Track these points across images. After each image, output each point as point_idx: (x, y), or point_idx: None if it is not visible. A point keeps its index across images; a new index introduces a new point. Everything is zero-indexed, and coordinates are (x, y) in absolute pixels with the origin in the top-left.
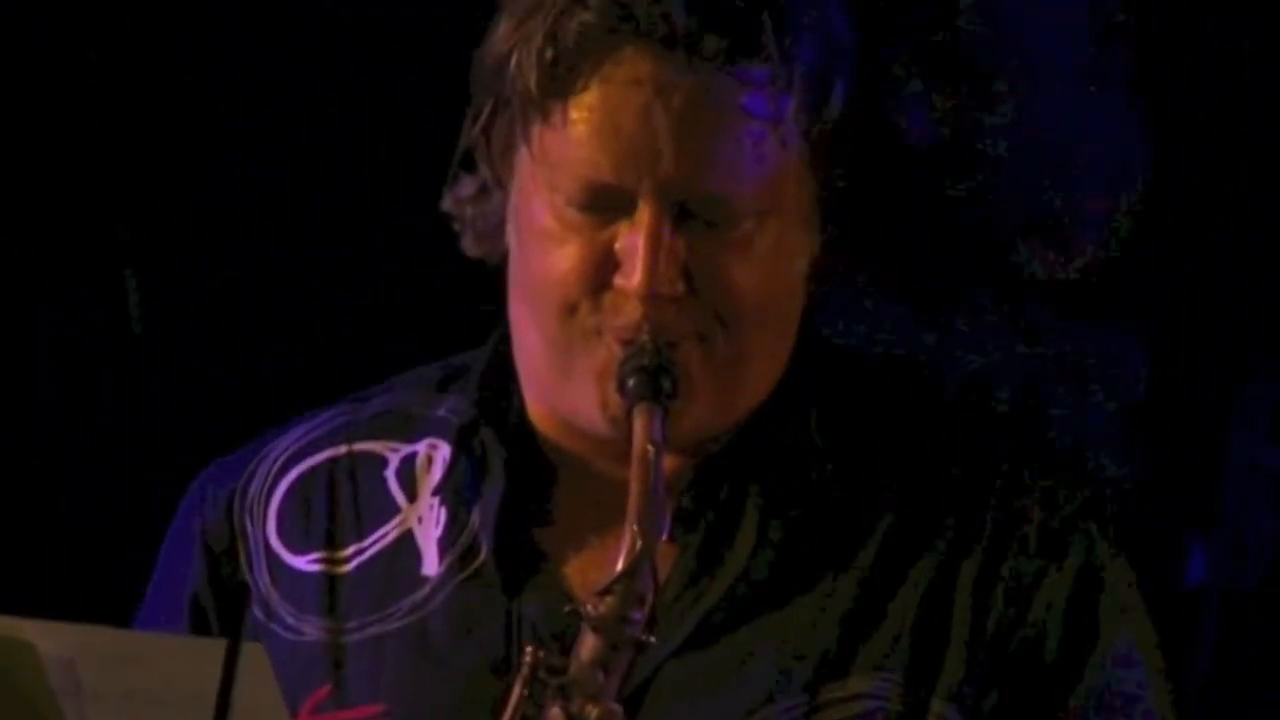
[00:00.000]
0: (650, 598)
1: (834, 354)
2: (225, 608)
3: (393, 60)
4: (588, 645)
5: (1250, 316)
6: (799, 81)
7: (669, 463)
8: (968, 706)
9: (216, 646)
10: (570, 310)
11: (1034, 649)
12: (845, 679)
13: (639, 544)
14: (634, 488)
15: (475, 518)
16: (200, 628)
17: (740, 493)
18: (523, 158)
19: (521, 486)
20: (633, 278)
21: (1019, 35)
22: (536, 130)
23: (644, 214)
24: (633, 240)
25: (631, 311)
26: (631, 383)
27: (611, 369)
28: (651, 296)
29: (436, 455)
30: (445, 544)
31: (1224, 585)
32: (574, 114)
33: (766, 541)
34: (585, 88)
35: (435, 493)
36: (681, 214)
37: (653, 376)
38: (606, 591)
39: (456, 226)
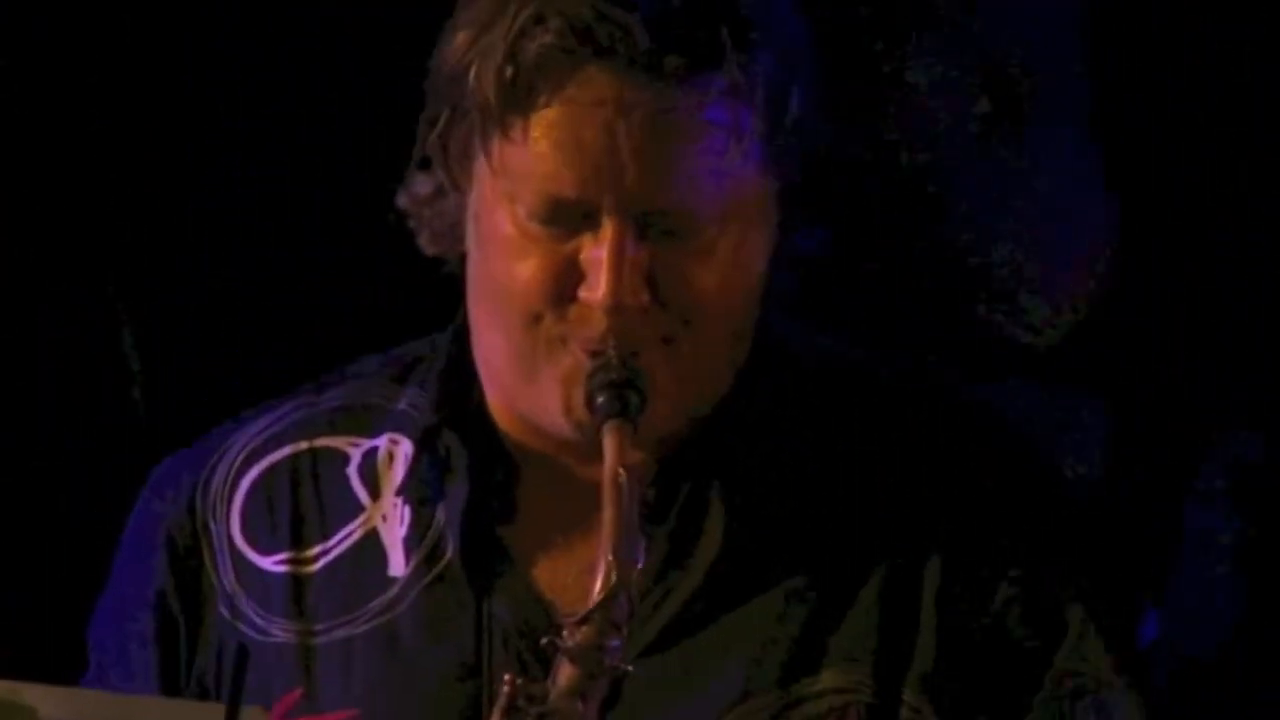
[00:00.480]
0: (627, 626)
1: (793, 349)
2: (192, 607)
3: (393, 61)
4: (565, 674)
5: (1206, 386)
6: (759, 91)
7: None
8: (939, 696)
9: (215, 711)
10: (535, 319)
11: (1001, 636)
12: (817, 674)
13: (614, 575)
14: (607, 513)
15: (440, 516)
16: (167, 627)
17: (704, 487)
18: (481, 166)
19: (485, 484)
20: (597, 291)
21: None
22: (496, 143)
23: (607, 228)
24: (596, 254)
25: (597, 323)
26: (601, 400)
27: (577, 375)
28: (617, 308)
29: (398, 450)
30: (411, 544)
31: (1177, 650)
32: (535, 131)
33: (732, 536)
34: (546, 105)
35: (399, 492)
36: (644, 223)
37: (620, 392)
38: (583, 621)
39: (412, 224)
